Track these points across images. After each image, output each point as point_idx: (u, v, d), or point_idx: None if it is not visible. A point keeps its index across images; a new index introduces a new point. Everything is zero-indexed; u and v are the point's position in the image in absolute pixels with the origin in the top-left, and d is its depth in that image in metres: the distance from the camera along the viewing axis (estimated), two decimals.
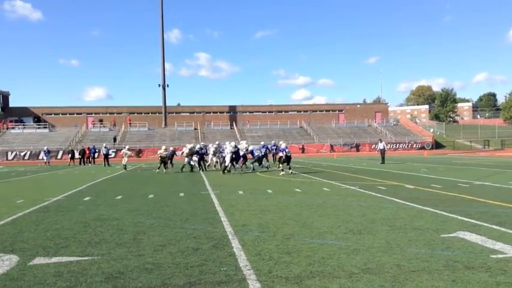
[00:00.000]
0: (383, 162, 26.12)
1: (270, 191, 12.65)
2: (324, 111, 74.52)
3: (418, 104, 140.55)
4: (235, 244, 5.93)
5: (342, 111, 74.69)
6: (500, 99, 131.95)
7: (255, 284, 4.27)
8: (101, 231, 7.06)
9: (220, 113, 71.57)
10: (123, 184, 16.17)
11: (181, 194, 12.11)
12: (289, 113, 73.05)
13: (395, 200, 10.18)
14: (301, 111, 73.96)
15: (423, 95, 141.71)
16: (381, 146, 27.53)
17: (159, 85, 65.74)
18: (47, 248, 5.92)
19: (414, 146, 59.64)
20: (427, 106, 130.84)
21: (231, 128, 65.46)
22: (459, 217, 7.67)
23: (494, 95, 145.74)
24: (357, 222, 7.43)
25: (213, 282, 4.33)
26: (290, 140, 56.22)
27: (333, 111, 74.92)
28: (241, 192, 12.46)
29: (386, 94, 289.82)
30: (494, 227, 6.77)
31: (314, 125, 66.95)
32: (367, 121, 69.73)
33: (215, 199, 10.91)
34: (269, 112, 73.20)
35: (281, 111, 73.12)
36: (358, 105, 79.25)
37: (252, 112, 72.53)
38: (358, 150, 58.00)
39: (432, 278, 4.35)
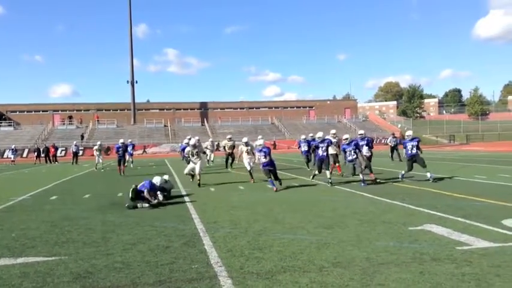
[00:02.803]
0: (398, 159, 23.59)
1: (241, 187, 12.65)
2: (295, 108, 74.97)
3: (386, 100, 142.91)
4: (207, 241, 5.90)
5: (312, 107, 75.33)
6: (465, 95, 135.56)
7: (226, 280, 4.26)
8: (69, 230, 6.91)
9: (191, 109, 70.87)
10: (90, 183, 15.87)
11: None
12: (261, 109, 73.05)
13: (364, 194, 10.34)
14: (272, 108, 74.13)
15: (391, 91, 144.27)
16: (392, 141, 25.15)
17: (128, 81, 64.76)
18: (12, 249, 5.76)
19: (383, 141, 60.71)
20: (395, 102, 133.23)
21: (202, 125, 65.14)
22: (426, 210, 7.84)
23: (459, 91, 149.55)
24: (328, 216, 7.51)
25: (183, 280, 4.29)
26: (263, 136, 56.37)
27: (303, 107, 75.46)
28: (212, 189, 12.41)
29: (356, 91, 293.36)
30: (459, 219, 6.96)
31: (285, 121, 67.31)
32: (337, 117, 70.51)
33: (186, 197, 10.83)
34: (240, 108, 73.06)
35: (252, 108, 73.15)
36: (328, 102, 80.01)
37: (223, 109, 72.24)
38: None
39: (400, 270, 4.43)
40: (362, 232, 6.23)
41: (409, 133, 13.67)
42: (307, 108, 75.20)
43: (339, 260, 4.84)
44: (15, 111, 65.87)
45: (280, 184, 12.16)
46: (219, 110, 71.83)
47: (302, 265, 4.70)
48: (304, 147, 18.92)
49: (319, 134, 13.90)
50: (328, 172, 12.63)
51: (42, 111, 66.65)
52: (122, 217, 8.03)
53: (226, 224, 7.13)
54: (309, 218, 7.45)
